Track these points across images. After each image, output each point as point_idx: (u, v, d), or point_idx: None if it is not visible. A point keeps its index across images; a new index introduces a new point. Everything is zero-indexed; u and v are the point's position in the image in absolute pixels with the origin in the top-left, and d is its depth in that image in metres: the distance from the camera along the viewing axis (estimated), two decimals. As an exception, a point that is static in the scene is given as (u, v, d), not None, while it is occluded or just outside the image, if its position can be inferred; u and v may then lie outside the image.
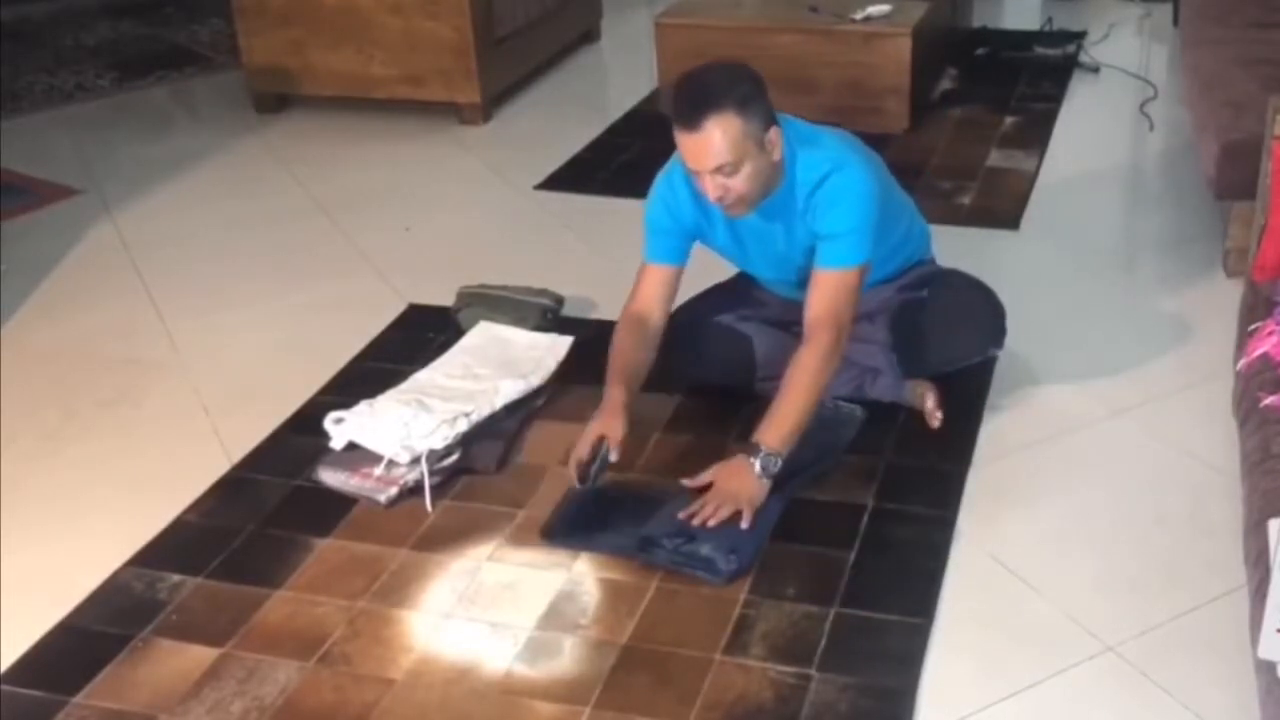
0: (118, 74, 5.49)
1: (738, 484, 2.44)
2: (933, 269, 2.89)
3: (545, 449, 2.74)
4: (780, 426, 2.46)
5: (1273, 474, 2.07)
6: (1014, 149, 4.24)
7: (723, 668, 2.14)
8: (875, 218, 2.54)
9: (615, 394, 2.54)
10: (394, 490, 2.58)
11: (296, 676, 2.16)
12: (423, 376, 2.91)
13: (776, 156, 2.47)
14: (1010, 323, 2.80)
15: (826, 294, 2.52)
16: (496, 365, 2.93)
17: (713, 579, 2.31)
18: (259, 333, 3.33)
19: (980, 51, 5.09)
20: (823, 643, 2.18)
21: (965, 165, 4.12)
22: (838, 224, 2.51)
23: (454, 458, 2.66)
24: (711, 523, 2.38)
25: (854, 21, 4.38)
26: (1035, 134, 4.34)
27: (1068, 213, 3.79)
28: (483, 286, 3.25)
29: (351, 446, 2.68)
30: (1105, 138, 4.40)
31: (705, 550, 2.34)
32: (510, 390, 2.83)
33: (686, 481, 2.51)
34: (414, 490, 2.59)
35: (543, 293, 3.24)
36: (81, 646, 2.26)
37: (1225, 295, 3.07)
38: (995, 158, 4.18)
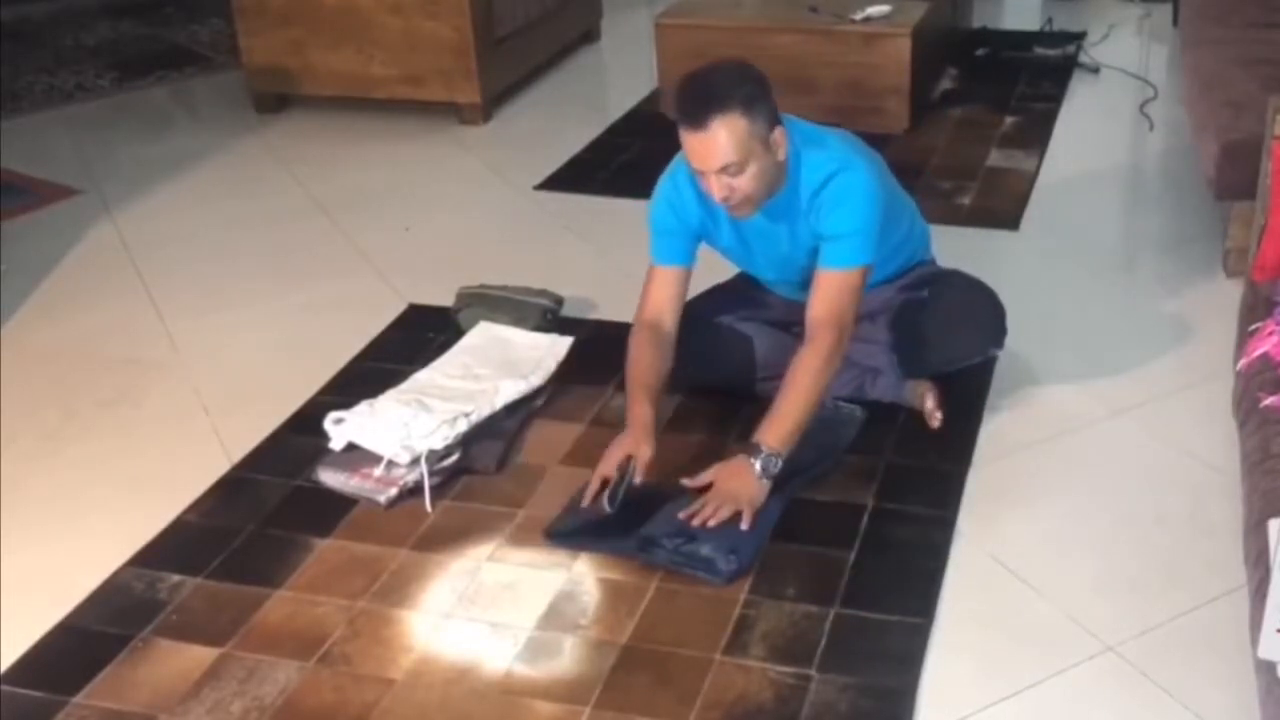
0: (118, 74, 5.50)
1: (738, 484, 2.43)
2: (933, 269, 2.89)
3: (545, 449, 2.74)
4: (781, 427, 2.45)
5: (1273, 474, 2.07)
6: (1014, 149, 4.24)
7: (723, 668, 2.14)
8: (879, 219, 2.54)
9: (640, 412, 2.52)
10: (394, 490, 2.58)
11: (296, 676, 2.16)
12: (423, 376, 2.91)
13: (781, 157, 2.46)
14: (1010, 323, 2.80)
15: (829, 295, 2.52)
16: (496, 365, 2.93)
17: (713, 579, 2.31)
18: (259, 333, 3.33)
19: (980, 52, 5.09)
20: (823, 643, 2.18)
21: (965, 165, 4.12)
22: (842, 225, 2.51)
23: (454, 458, 2.66)
24: (712, 523, 2.38)
25: (854, 21, 4.38)
26: (1035, 134, 4.34)
27: (1068, 213, 3.79)
28: (483, 287, 3.25)
29: (351, 447, 2.68)
30: (1105, 138, 4.40)
31: (705, 550, 2.33)
32: (510, 390, 2.83)
33: (687, 481, 2.51)
34: (414, 490, 2.59)
35: (542, 293, 3.24)
36: (81, 646, 2.26)
37: (1225, 295, 3.07)
38: (995, 158, 4.18)
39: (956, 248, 3.17)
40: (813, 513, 2.50)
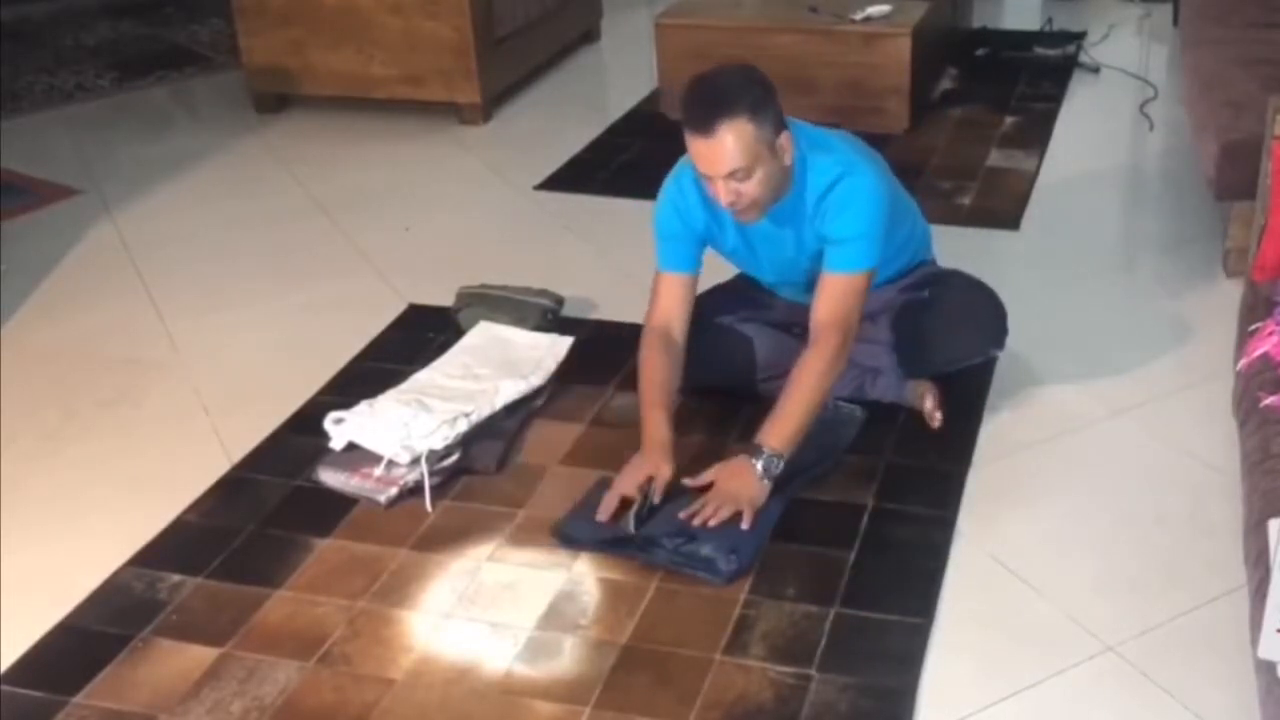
0: (118, 74, 5.49)
1: (739, 484, 2.44)
2: (934, 269, 2.89)
3: (545, 449, 2.74)
4: (783, 427, 2.46)
5: (1273, 474, 2.07)
6: (1014, 149, 4.24)
7: (723, 668, 2.14)
8: (884, 223, 2.54)
9: (658, 429, 2.51)
10: (394, 490, 2.58)
11: (296, 676, 2.16)
12: (423, 376, 2.91)
13: (788, 161, 2.46)
14: (1010, 323, 2.80)
15: (834, 298, 2.52)
16: (496, 365, 2.93)
17: (713, 579, 2.31)
18: (259, 333, 3.33)
19: (980, 52, 5.09)
20: (823, 643, 2.18)
21: (965, 165, 4.12)
22: (847, 229, 2.51)
23: (454, 458, 2.66)
24: (712, 523, 2.38)
25: (854, 21, 4.38)
26: (1035, 134, 4.34)
27: (1068, 213, 3.79)
28: (483, 287, 3.25)
29: (351, 446, 2.68)
30: (1105, 138, 4.40)
31: (706, 550, 2.33)
32: (510, 390, 2.83)
33: (687, 481, 2.51)
34: (414, 490, 2.59)
35: (543, 293, 3.23)
36: (81, 646, 2.26)
37: (1225, 295, 3.08)
38: (995, 158, 4.18)
39: (957, 248, 3.17)
40: (813, 513, 2.50)
